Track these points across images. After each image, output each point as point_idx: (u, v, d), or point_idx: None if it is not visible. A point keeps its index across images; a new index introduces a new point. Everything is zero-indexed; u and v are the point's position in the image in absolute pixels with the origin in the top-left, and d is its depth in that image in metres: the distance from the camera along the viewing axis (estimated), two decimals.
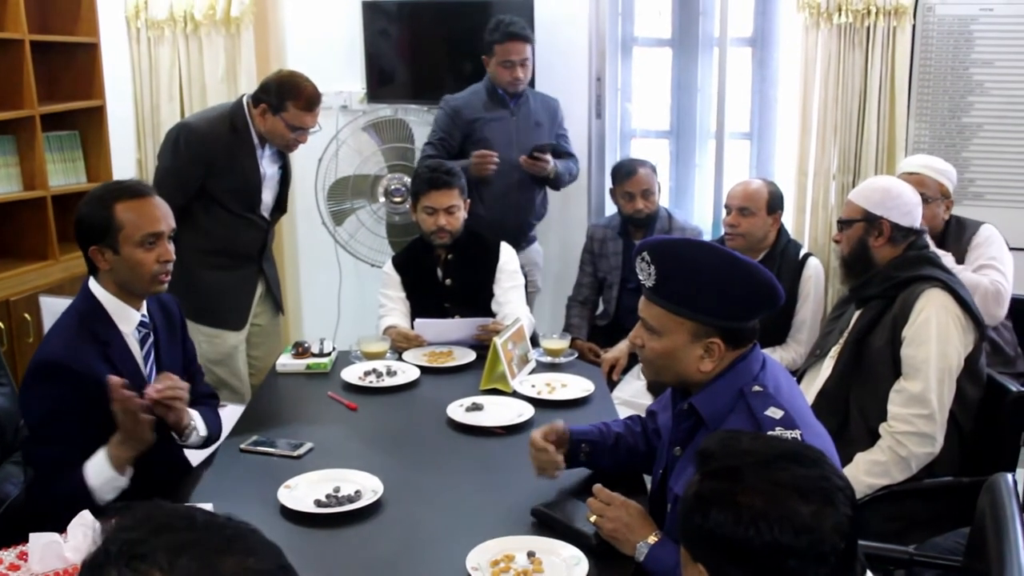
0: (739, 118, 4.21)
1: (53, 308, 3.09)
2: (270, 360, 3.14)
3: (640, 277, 1.79)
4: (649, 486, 2.03)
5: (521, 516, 1.94)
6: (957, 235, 3.12)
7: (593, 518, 1.82)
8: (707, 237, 3.97)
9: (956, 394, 2.41)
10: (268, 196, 3.30)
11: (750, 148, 4.25)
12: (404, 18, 4.19)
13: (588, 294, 3.78)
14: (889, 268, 2.52)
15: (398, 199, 4.10)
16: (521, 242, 3.74)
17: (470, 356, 2.93)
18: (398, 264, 3.24)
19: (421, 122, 4.15)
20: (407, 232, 3.95)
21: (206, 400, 2.43)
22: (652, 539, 1.75)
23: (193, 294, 2.98)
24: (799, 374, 2.71)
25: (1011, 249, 3.11)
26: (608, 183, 3.79)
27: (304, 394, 2.76)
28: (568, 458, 2.09)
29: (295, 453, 2.28)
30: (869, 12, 3.65)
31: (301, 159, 3.83)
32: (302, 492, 2.03)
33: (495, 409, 2.51)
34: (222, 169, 3.15)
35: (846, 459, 2.37)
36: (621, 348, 3.37)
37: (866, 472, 2.38)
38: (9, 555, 1.76)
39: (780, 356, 3.19)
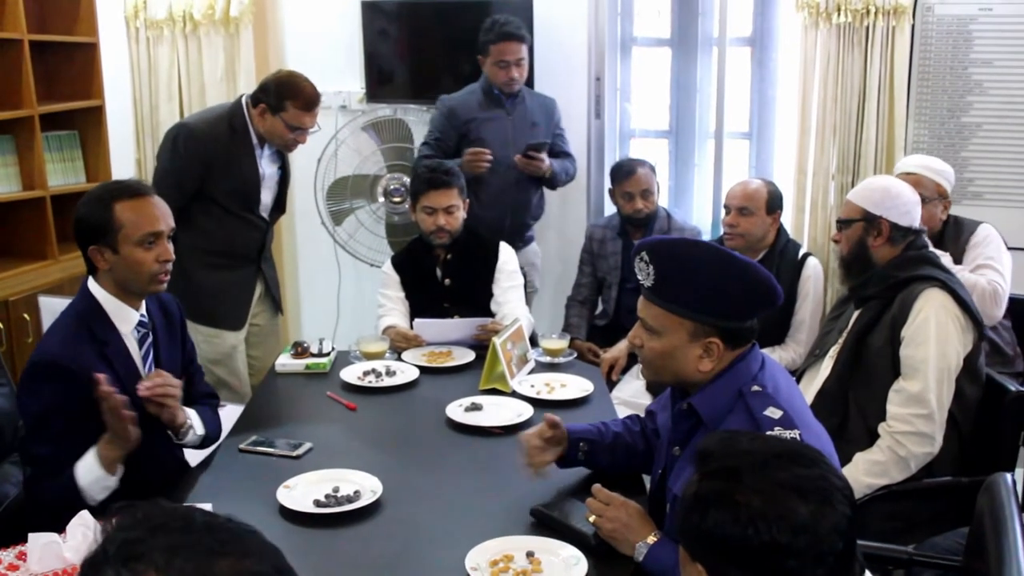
0: (738, 118, 4.20)
1: (52, 308, 3.08)
2: (269, 360, 3.14)
3: (639, 277, 1.79)
4: (648, 486, 2.03)
5: (520, 516, 1.94)
6: (955, 235, 3.11)
7: (592, 518, 1.82)
8: (706, 237, 3.97)
9: (955, 394, 2.41)
10: (267, 196, 3.30)
11: (749, 148, 4.25)
12: (403, 18, 4.19)
13: (587, 294, 3.78)
14: (888, 268, 2.52)
15: (397, 199, 4.09)
16: (518, 242, 3.72)
17: (469, 356, 2.93)
18: (397, 264, 3.24)
19: (420, 122, 4.14)
20: (406, 232, 3.94)
21: (206, 400, 2.43)
22: (651, 539, 1.75)
23: (192, 294, 2.98)
24: (798, 374, 2.71)
25: (1010, 249, 3.11)
26: (607, 183, 3.79)
27: (303, 394, 2.76)
28: (566, 457, 2.09)
29: (294, 453, 2.28)
30: (868, 12, 3.65)
31: (300, 159, 3.83)
32: (301, 492, 2.03)
33: (494, 409, 2.51)
34: (221, 169, 3.15)
35: (845, 459, 2.37)
36: (620, 348, 3.37)
37: (865, 472, 2.38)
38: (8, 555, 1.76)
39: (779, 356, 3.19)
